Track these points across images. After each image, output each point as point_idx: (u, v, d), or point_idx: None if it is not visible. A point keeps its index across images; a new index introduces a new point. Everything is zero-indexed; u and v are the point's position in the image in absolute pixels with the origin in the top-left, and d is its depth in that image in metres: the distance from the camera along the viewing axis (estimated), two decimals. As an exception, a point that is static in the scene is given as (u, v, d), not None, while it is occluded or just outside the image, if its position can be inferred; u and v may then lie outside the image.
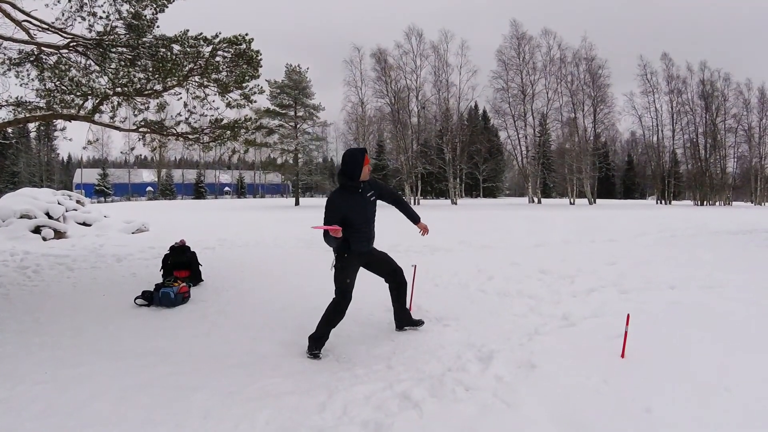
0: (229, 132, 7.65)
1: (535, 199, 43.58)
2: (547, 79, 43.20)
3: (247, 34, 6.87)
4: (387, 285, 4.39)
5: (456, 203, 39.68)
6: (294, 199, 40.96)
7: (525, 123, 43.45)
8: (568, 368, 3.31)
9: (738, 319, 4.49)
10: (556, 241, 11.19)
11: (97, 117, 7.21)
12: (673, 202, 46.42)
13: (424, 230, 4.49)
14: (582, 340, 3.95)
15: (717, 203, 43.39)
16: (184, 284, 5.71)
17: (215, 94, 7.39)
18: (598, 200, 45.03)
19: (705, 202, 43.44)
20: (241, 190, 74.07)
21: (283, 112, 38.17)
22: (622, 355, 3.52)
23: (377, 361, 3.74)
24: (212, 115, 7.57)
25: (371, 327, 4.65)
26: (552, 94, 43.12)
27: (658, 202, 46.38)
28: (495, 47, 44.04)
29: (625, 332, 3.54)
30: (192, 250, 6.86)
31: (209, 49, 6.84)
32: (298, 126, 38.77)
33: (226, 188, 73.44)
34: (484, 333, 4.32)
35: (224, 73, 7.08)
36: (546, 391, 2.99)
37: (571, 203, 42.13)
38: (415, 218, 4.53)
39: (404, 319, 4.48)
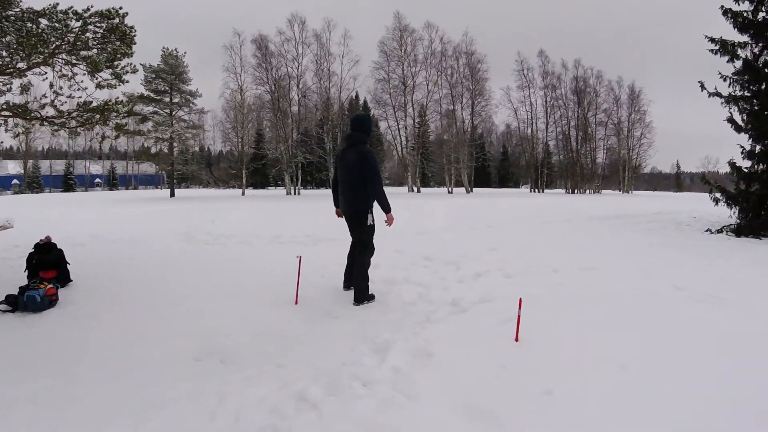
0: (98, 116, 7.43)
1: (415, 188, 45.89)
2: (427, 71, 46.21)
3: (121, 8, 6.84)
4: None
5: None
6: (169, 190, 41.35)
7: (405, 114, 46.21)
8: (465, 355, 3.43)
9: (620, 298, 5.05)
10: (437, 228, 11.76)
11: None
12: (546, 190, 51.92)
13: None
14: (474, 325, 4.14)
15: (587, 191, 49.84)
16: (51, 286, 5.24)
17: (84, 74, 7.21)
18: (475, 189, 48.80)
19: (576, 191, 49.55)
20: (113, 181, 73.19)
21: (158, 98, 38.03)
22: (516, 339, 3.74)
23: (268, 360, 3.59)
24: (80, 97, 7.38)
25: (258, 323, 4.41)
26: (432, 86, 46.33)
27: (532, 190, 51.53)
28: (378, 38, 46.46)
29: (518, 316, 3.76)
30: (59, 247, 6.34)
31: (79, 23, 6.66)
32: (173, 113, 38.71)
33: (97, 180, 72.98)
34: (376, 323, 4.35)
35: (95, 51, 6.98)
36: (445, 380, 3.07)
37: (449, 192, 45.24)
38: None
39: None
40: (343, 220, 5.50)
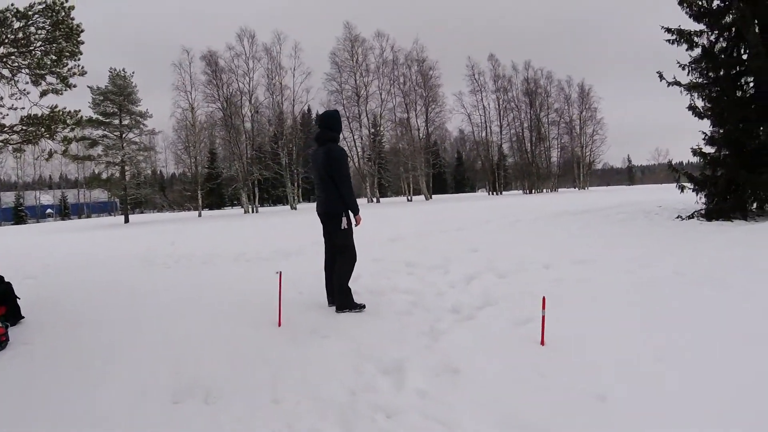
0: (44, 129, 7.02)
1: (374, 199, 45.78)
2: (380, 80, 47.01)
3: (66, 0, 6.43)
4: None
5: (296, 208, 40.59)
6: (123, 216, 40.47)
7: (360, 124, 46.73)
8: (494, 366, 3.06)
9: (627, 289, 4.84)
10: (409, 234, 11.47)
11: None
12: (503, 192, 52.81)
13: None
14: (489, 332, 3.78)
15: (544, 190, 51.05)
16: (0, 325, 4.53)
17: (27, 82, 6.78)
18: (433, 195, 49.07)
19: (533, 191, 50.59)
20: (65, 211, 71.70)
21: (107, 120, 37.66)
22: (542, 342, 3.39)
23: (260, 393, 3.03)
24: (23, 108, 7.01)
25: (240, 349, 3.85)
26: (385, 95, 47.09)
27: (490, 193, 52.28)
28: (329, 49, 47.21)
29: (543, 317, 3.43)
30: (6, 281, 5.50)
31: (21, 24, 6.32)
32: (123, 135, 38.25)
33: (49, 210, 71.30)
34: (373, 338, 3.89)
35: (39, 52, 6.54)
36: (482, 398, 2.67)
37: (408, 200, 45.41)
38: None
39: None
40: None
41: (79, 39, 6.56)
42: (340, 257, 4.89)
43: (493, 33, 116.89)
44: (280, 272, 4.76)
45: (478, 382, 2.84)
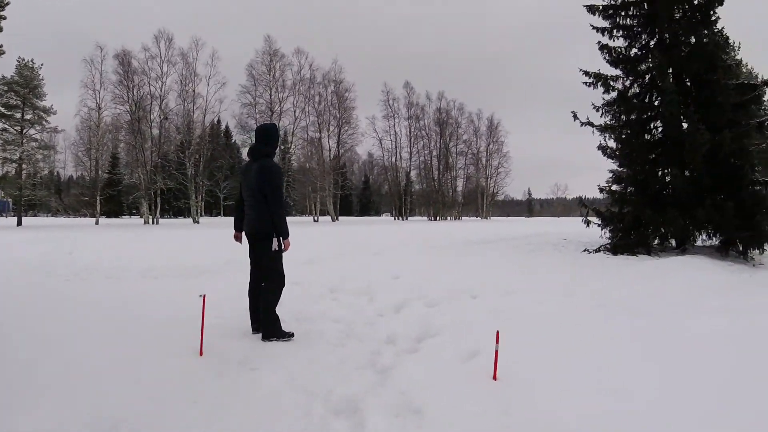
0: None
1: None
2: (295, 97, 46.68)
3: None
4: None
5: (198, 221, 38.83)
6: (16, 218, 37.61)
7: None
8: (454, 405, 2.80)
9: (558, 319, 4.91)
10: (325, 256, 11.11)
11: None
12: (408, 218, 53.84)
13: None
14: (438, 366, 3.56)
15: (448, 218, 52.56)
16: None
17: None
18: (339, 217, 49.05)
19: (438, 217, 51.92)
20: None
21: (9, 113, 34.51)
22: (494, 377, 3.24)
23: None
24: None
25: (159, 384, 3.28)
26: (299, 112, 46.81)
27: (396, 218, 53.09)
28: (246, 61, 46.12)
29: (496, 351, 3.28)
30: None
31: None
32: (24, 131, 35.12)
33: None
34: (311, 372, 3.53)
35: None
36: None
37: (315, 220, 44.88)
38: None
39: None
40: (242, 244, 4.87)
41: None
42: (266, 282, 4.52)
43: (410, 62, 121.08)
44: (204, 296, 4.23)
45: (444, 422, 2.60)
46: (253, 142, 4.68)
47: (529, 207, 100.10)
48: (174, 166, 40.71)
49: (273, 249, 4.43)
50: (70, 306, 5.59)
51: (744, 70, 12.35)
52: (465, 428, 2.55)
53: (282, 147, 46.24)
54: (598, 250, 11.70)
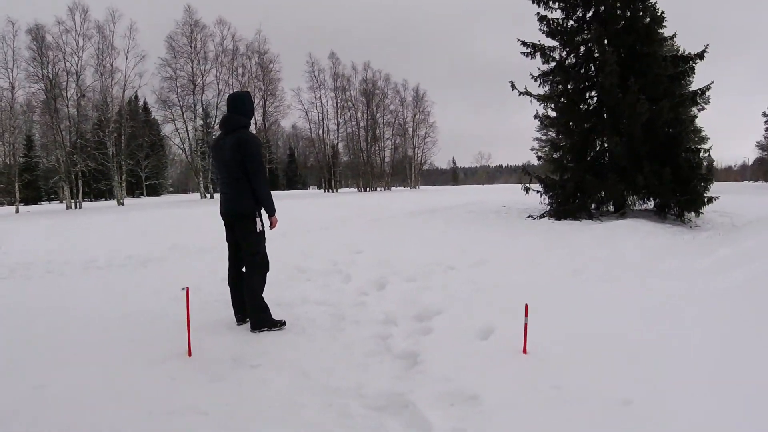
0: None
1: (208, 195, 43.06)
2: (218, 69, 44.00)
3: None
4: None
5: (123, 203, 36.18)
6: None
7: (195, 115, 43.13)
8: (505, 388, 2.63)
9: (546, 288, 4.92)
10: (273, 234, 10.57)
11: None
12: (338, 190, 53.46)
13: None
14: (463, 347, 3.35)
15: (378, 189, 52.52)
16: None
17: None
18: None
19: (367, 189, 51.82)
20: None
21: None
22: (524, 351, 3.14)
23: None
24: None
25: (148, 395, 2.79)
26: (223, 85, 44.16)
27: (325, 190, 52.54)
28: (166, 32, 42.08)
29: (525, 324, 3.13)
30: None
31: None
32: None
33: None
34: (322, 364, 3.22)
35: None
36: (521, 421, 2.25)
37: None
38: None
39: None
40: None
41: None
42: (249, 267, 4.06)
43: (335, 33, 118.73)
44: (187, 288, 3.75)
45: (505, 405, 2.43)
46: (226, 113, 4.14)
47: (454, 175, 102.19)
48: (93, 146, 37.89)
49: (258, 230, 4.01)
50: (18, 311, 4.86)
51: (671, 43, 12.85)
52: (529, 410, 2.39)
53: (204, 121, 44.14)
54: (542, 216, 12.01)
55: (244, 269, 4.15)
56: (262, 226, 4.05)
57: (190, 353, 3.42)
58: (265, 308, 4.02)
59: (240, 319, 4.18)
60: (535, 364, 3.00)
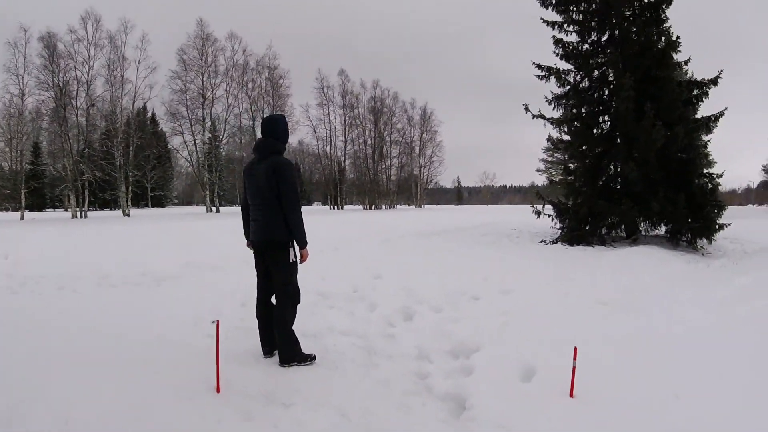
0: None
1: (213, 209, 43.15)
2: (228, 84, 44.42)
3: None
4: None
5: (129, 214, 36.21)
6: None
7: (204, 128, 43.46)
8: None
9: (574, 324, 4.76)
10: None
11: None
12: (344, 207, 53.61)
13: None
14: (508, 390, 3.20)
15: (383, 207, 52.62)
16: None
17: None
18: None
19: (373, 207, 51.96)
20: None
21: None
22: (571, 395, 3.04)
23: None
24: None
25: (178, 428, 2.72)
26: (232, 99, 44.64)
27: (331, 207, 52.64)
28: (178, 45, 42.73)
29: (573, 367, 3.02)
30: None
31: None
32: None
33: None
34: (362, 404, 3.09)
35: None
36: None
37: (249, 211, 43.61)
38: None
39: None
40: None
41: None
42: (281, 298, 3.91)
43: (345, 50, 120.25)
44: (218, 321, 3.64)
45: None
46: (261, 137, 4.02)
47: (458, 195, 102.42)
48: (101, 156, 38.08)
49: (291, 260, 3.87)
50: (34, 331, 4.67)
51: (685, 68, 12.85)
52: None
53: (212, 134, 44.30)
54: (555, 242, 11.91)
55: (273, 299, 4.03)
56: (295, 256, 3.93)
57: (219, 389, 3.29)
58: (295, 341, 3.89)
59: (267, 352, 4.04)
60: (582, 408, 2.89)
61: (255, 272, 4.14)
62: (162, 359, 3.90)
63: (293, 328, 3.93)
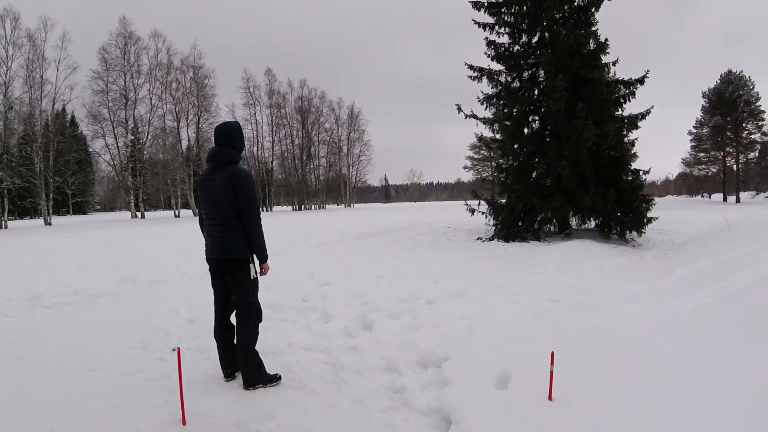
0: None
1: (138, 214, 40.97)
2: (152, 84, 42.58)
3: None
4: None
5: (50, 223, 33.82)
6: None
7: (127, 130, 41.41)
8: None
9: (530, 324, 4.87)
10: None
11: None
12: (273, 208, 52.66)
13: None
14: (488, 400, 3.19)
15: (312, 207, 52.23)
16: None
17: None
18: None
19: (302, 207, 51.47)
20: None
21: None
22: (550, 398, 3.09)
23: None
24: None
25: None
26: (156, 100, 42.82)
27: (261, 209, 51.69)
28: (99, 43, 41.49)
29: (551, 372, 3.06)
30: None
31: None
32: None
33: None
34: (343, 424, 2.99)
35: None
36: None
37: (176, 215, 41.81)
38: None
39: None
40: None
41: None
42: (242, 318, 3.69)
43: (270, 50, 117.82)
44: (179, 348, 3.37)
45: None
46: (214, 146, 3.77)
47: (386, 193, 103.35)
48: (19, 162, 35.24)
49: (252, 277, 3.67)
50: None
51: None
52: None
53: (134, 137, 42.15)
54: (491, 239, 12.20)
55: (233, 319, 3.81)
56: (256, 272, 3.73)
57: (185, 421, 3.06)
58: (260, 364, 3.68)
59: (229, 375, 3.81)
60: (562, 411, 2.95)
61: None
62: (116, 391, 3.59)
63: (256, 348, 3.74)
